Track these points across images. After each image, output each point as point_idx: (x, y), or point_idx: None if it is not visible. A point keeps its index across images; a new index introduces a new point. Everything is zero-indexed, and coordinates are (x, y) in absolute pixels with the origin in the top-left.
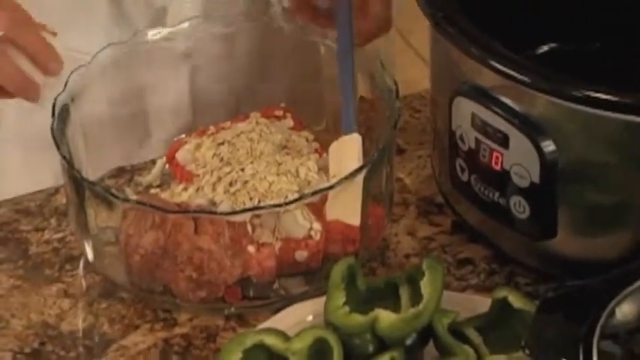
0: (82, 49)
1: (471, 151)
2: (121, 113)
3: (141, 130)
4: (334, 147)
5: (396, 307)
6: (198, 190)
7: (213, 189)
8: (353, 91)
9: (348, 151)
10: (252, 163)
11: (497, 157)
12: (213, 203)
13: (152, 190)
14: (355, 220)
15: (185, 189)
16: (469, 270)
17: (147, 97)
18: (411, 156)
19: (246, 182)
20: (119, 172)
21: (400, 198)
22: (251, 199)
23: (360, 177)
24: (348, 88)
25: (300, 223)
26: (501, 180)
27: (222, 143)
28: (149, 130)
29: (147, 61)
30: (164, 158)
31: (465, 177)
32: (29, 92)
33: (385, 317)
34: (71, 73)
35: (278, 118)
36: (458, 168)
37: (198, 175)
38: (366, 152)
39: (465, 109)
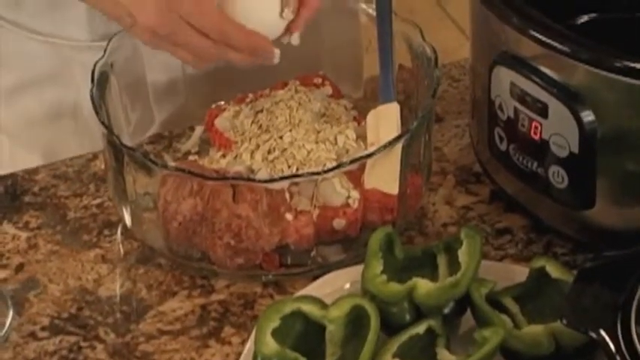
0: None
1: (509, 120)
2: (159, 80)
3: (180, 97)
4: (372, 115)
5: (433, 276)
6: (236, 157)
7: (252, 156)
8: (391, 59)
9: (386, 120)
10: (290, 130)
11: (536, 127)
12: (252, 170)
13: (190, 157)
14: (393, 188)
15: (223, 156)
16: (507, 239)
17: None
18: (450, 125)
19: (284, 150)
20: (157, 138)
21: (438, 167)
22: (289, 166)
23: (399, 145)
24: (387, 56)
25: (338, 191)
26: (540, 149)
27: (261, 111)
28: (187, 96)
29: None
30: (203, 125)
31: (503, 146)
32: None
33: (423, 286)
34: (110, 39)
35: (317, 85)
36: (496, 137)
37: (236, 143)
38: (404, 121)
39: (505, 78)
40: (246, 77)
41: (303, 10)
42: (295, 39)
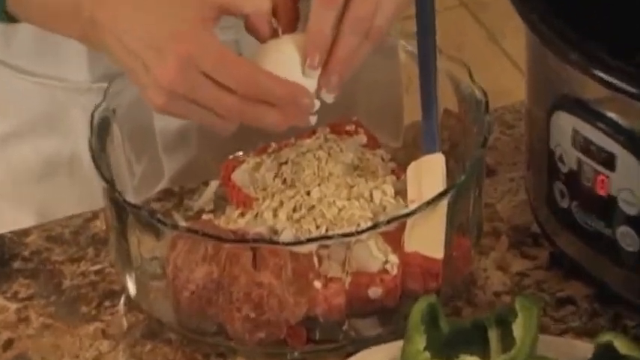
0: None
1: (571, 173)
2: (169, 127)
3: (192, 147)
4: (414, 167)
5: (484, 353)
6: (257, 216)
7: (275, 215)
8: (435, 102)
9: (429, 173)
10: (319, 185)
11: (602, 181)
12: (275, 231)
13: (204, 216)
14: (437, 252)
15: (242, 215)
16: (569, 311)
17: None
18: (503, 178)
19: (312, 208)
20: (166, 194)
21: (489, 227)
22: (318, 227)
23: (444, 202)
24: (430, 99)
25: (374, 255)
26: (607, 207)
27: (285, 162)
28: (201, 146)
29: None
30: (218, 180)
31: (564, 203)
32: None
33: None
34: (112, 80)
35: (349, 133)
36: (557, 193)
37: (257, 199)
38: (450, 173)
39: (566, 124)
40: None
41: (330, 63)
42: (325, 96)
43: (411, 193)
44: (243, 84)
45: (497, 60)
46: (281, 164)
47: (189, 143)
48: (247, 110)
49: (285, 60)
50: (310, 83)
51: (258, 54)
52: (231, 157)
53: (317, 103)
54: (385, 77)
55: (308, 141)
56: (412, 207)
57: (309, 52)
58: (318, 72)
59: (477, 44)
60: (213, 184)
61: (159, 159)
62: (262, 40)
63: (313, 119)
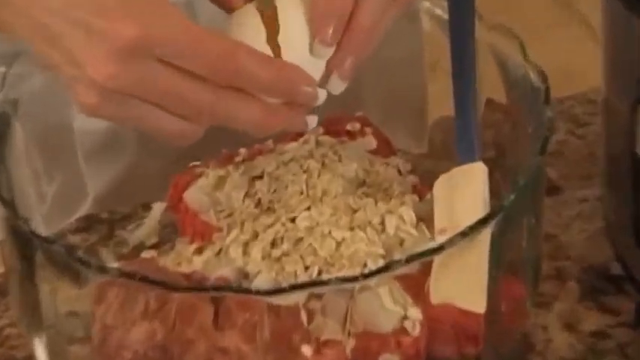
0: None
1: None
2: (94, 128)
3: (126, 156)
4: (444, 184)
5: None
6: (220, 253)
7: (245, 252)
8: (473, 90)
9: (465, 191)
10: (308, 209)
11: None
12: (245, 275)
13: (144, 253)
14: (477, 303)
15: (199, 251)
16: None
17: None
18: (571, 198)
19: (298, 241)
20: (90, 223)
21: (552, 267)
22: (307, 268)
23: (486, 233)
24: (466, 84)
25: (388, 309)
26: None
27: (260, 177)
28: (140, 153)
29: None
30: (164, 201)
31: None
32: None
33: None
34: (11, 62)
35: (352, 135)
36: None
37: (220, 229)
38: (495, 192)
39: None
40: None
41: (348, 36)
42: (335, 84)
43: (439, 220)
44: (217, 68)
45: (563, 29)
46: (254, 179)
47: (123, 149)
48: (222, 105)
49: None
50: (313, 66)
51: (232, 24)
52: (183, 169)
53: (322, 95)
54: (402, 53)
55: (292, 145)
56: (441, 239)
57: (321, 20)
58: (330, 50)
59: (534, 7)
60: (157, 209)
61: (79, 172)
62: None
63: (313, 121)
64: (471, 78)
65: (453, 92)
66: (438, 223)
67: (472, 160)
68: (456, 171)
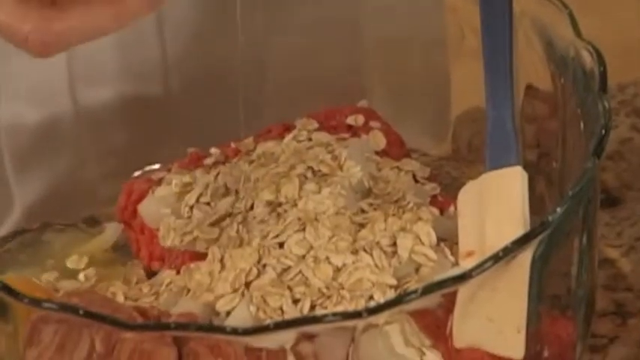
0: None
1: None
2: (22, 116)
3: (66, 156)
4: (470, 194)
5: None
6: (184, 281)
7: (215, 281)
8: (510, 74)
9: (499, 203)
10: (301, 229)
11: None
12: (216, 313)
13: (81, 276)
14: (513, 347)
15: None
16: None
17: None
18: (633, 212)
19: (286, 270)
20: (20, 240)
21: (610, 301)
22: (296, 302)
23: (526, 257)
24: (501, 67)
25: (399, 354)
26: None
27: (237, 186)
28: (83, 153)
29: None
30: (115, 219)
31: None
32: None
33: None
34: None
35: (354, 131)
36: None
37: (183, 253)
38: (537, 204)
39: None
40: (205, 111)
41: None
42: None
43: (465, 240)
44: None
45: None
46: (227, 188)
47: (63, 147)
48: None
49: None
50: None
51: None
52: (136, 173)
53: None
54: (418, 29)
55: (273, 144)
56: (468, 265)
57: None
58: None
59: None
60: (112, 231)
61: (4, 177)
62: None
63: None
64: (507, 59)
65: (484, 78)
66: (463, 243)
67: (508, 163)
68: (487, 177)
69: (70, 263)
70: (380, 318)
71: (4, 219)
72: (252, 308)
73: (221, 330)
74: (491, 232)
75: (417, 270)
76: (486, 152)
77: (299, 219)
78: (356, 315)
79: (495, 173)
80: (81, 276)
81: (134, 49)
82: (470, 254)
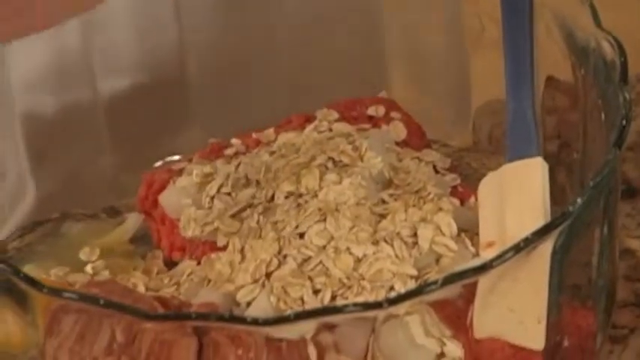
0: None
1: None
2: (39, 105)
3: (84, 146)
4: (492, 185)
5: None
6: (204, 271)
7: (236, 272)
8: (531, 65)
9: (519, 194)
10: (322, 219)
11: None
12: (237, 303)
13: (104, 272)
14: (534, 337)
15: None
16: None
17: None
18: None
19: (306, 260)
20: (43, 229)
21: (630, 291)
22: (316, 292)
23: (547, 248)
24: (521, 59)
25: (420, 344)
26: None
27: (258, 177)
28: (106, 140)
29: None
30: (137, 209)
31: None
32: None
33: None
34: None
35: (375, 122)
36: None
37: (204, 243)
38: (556, 195)
39: None
40: (226, 100)
41: None
42: None
43: (486, 231)
44: None
45: None
46: (249, 179)
47: (79, 136)
48: None
49: None
50: None
51: None
52: (158, 163)
53: None
54: (436, 17)
55: (299, 135)
56: (488, 256)
57: None
58: None
59: None
60: (133, 221)
61: (19, 165)
62: None
63: None
64: (528, 50)
65: (505, 69)
66: (484, 234)
67: (528, 154)
68: (508, 168)
69: (83, 255)
70: (400, 308)
71: (19, 209)
72: (273, 299)
73: (242, 320)
74: (512, 222)
75: (437, 260)
76: (507, 143)
77: (319, 209)
78: (376, 305)
79: (516, 164)
80: (88, 268)
81: (153, 37)
82: (490, 245)
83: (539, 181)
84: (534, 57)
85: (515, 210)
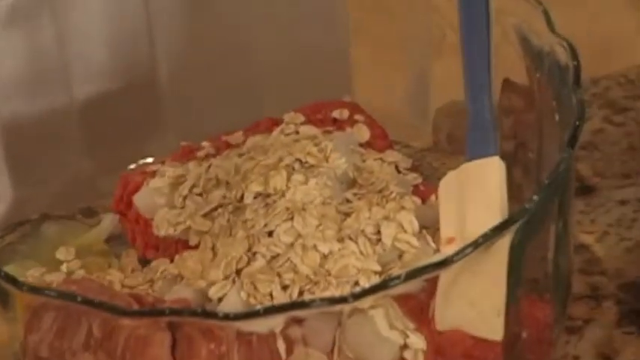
0: None
1: None
2: (18, 107)
3: (62, 146)
4: (452, 183)
5: None
6: (177, 269)
7: (207, 269)
8: (489, 69)
9: (478, 192)
10: (290, 218)
11: None
12: (209, 299)
13: (79, 271)
14: (493, 329)
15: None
16: None
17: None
18: (608, 200)
19: (275, 257)
20: (23, 230)
21: (585, 285)
22: (285, 288)
23: (504, 243)
24: (479, 62)
25: (384, 337)
26: None
27: (228, 177)
28: (77, 144)
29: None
30: (111, 211)
31: None
32: None
33: None
34: None
35: (339, 124)
36: None
37: (176, 241)
38: (514, 193)
39: None
40: (196, 105)
41: None
42: None
43: (446, 228)
44: None
45: None
46: (218, 180)
47: (57, 140)
48: None
49: None
50: None
51: None
52: (132, 166)
53: None
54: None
55: (266, 137)
56: (449, 251)
57: None
58: None
59: None
60: (108, 222)
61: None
62: None
63: None
64: (485, 55)
65: (464, 73)
66: (444, 231)
67: (486, 154)
68: (467, 167)
69: (59, 254)
70: (365, 303)
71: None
72: (243, 294)
73: (214, 315)
74: (471, 219)
75: (400, 256)
76: (466, 143)
77: (287, 209)
78: (342, 300)
79: (475, 163)
80: (63, 267)
81: (126, 44)
82: (451, 241)
83: (497, 179)
84: (491, 61)
85: (475, 207)
